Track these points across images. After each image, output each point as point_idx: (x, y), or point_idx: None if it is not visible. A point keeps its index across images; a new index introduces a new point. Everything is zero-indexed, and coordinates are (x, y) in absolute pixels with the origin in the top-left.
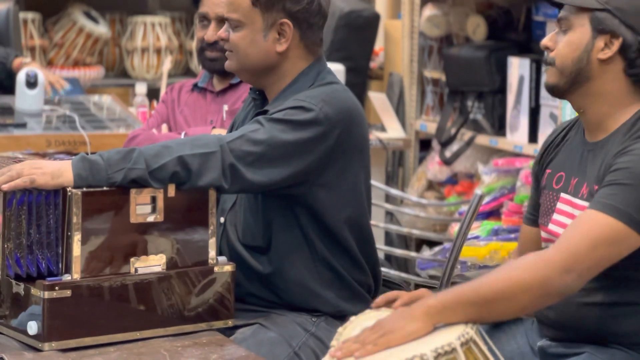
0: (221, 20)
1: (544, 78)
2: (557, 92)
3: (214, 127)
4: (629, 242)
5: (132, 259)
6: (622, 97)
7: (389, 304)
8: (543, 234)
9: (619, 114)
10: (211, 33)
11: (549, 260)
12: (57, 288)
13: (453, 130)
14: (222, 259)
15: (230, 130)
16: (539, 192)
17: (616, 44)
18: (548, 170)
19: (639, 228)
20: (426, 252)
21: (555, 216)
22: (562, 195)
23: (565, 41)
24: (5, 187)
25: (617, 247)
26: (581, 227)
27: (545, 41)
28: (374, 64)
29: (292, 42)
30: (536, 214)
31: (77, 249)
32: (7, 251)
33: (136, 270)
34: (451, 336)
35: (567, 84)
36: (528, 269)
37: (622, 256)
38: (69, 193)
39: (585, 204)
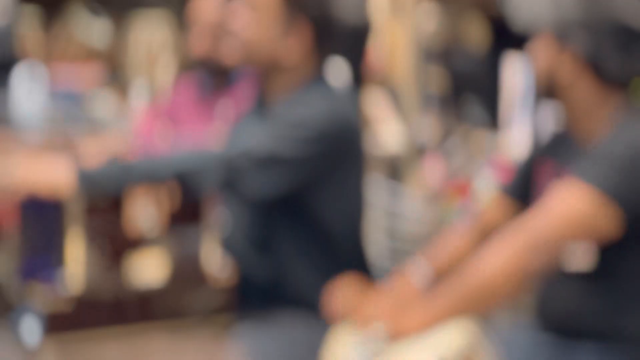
0: None
1: None
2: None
3: (213, 128)
4: (600, 209)
5: (131, 262)
6: (596, 101)
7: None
8: None
9: (597, 115)
10: None
11: (525, 223)
12: (55, 291)
13: (452, 133)
14: (223, 261)
15: (226, 135)
16: (528, 174)
17: (571, 55)
18: (546, 167)
19: (610, 196)
20: None
21: None
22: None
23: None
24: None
25: (589, 211)
26: (556, 192)
27: None
28: (372, 67)
29: (301, 49)
30: (518, 190)
31: (75, 253)
32: (24, 254)
33: (135, 273)
34: (453, 342)
35: (547, 95)
36: (507, 238)
37: (597, 228)
38: (68, 199)
39: None
